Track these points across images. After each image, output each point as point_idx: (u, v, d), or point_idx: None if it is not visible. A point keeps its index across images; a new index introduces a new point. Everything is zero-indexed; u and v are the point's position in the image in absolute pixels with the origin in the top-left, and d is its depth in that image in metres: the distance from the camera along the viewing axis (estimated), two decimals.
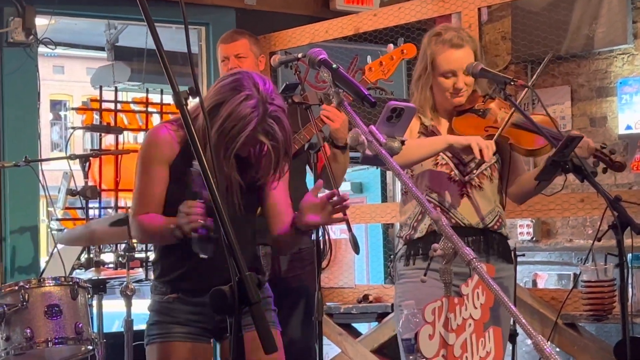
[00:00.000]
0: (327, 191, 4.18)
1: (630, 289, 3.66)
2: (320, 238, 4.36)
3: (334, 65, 2.99)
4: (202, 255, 2.94)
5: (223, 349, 3.37)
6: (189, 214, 2.93)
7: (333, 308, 5.34)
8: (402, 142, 2.87)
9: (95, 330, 4.19)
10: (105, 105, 5.67)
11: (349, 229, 4.20)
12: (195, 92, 2.34)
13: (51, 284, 3.89)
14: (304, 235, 3.26)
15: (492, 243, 3.83)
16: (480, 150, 3.53)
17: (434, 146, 3.69)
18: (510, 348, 4.22)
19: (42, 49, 5.73)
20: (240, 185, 3.15)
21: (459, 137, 3.67)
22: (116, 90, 5.78)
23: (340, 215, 3.11)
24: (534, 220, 5.75)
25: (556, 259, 5.57)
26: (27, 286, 3.85)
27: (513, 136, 3.71)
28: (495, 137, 3.67)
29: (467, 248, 2.45)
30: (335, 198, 3.06)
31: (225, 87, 3.08)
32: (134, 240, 4.73)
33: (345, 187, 4.90)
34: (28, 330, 3.77)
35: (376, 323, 5.35)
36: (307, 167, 4.54)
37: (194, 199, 3.01)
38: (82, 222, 5.44)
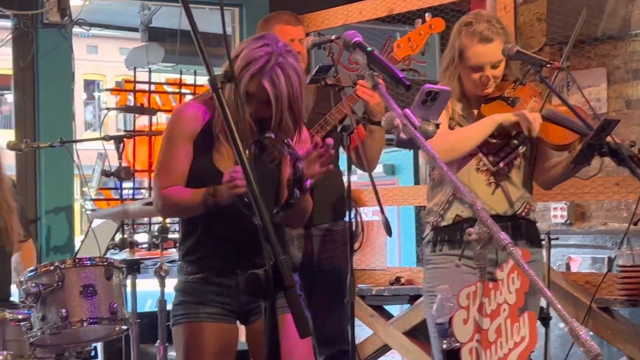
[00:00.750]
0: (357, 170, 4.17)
1: None
2: (353, 220, 4.37)
3: (369, 48, 2.97)
4: (254, 219, 2.98)
5: (249, 332, 3.37)
6: (234, 179, 2.96)
7: (365, 290, 5.34)
8: (437, 126, 2.84)
9: (129, 310, 4.21)
10: (139, 87, 5.68)
11: (382, 211, 4.20)
12: (231, 77, 2.34)
13: (86, 264, 3.91)
14: (305, 195, 3.18)
15: (521, 229, 3.82)
16: (530, 123, 3.54)
17: (483, 131, 3.66)
18: (544, 332, 4.21)
19: (76, 29, 5.75)
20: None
21: (507, 114, 3.66)
22: (150, 71, 5.77)
23: (327, 166, 3.11)
24: (567, 204, 5.71)
25: (590, 243, 5.54)
26: (62, 266, 3.86)
27: (541, 130, 3.67)
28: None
29: (503, 233, 2.43)
30: (317, 148, 3.06)
31: (251, 38, 3.24)
32: (166, 220, 4.74)
33: (377, 169, 4.87)
34: (63, 310, 3.79)
35: (408, 305, 5.34)
36: (340, 148, 4.53)
37: (218, 174, 3.08)
38: (115, 202, 5.47)
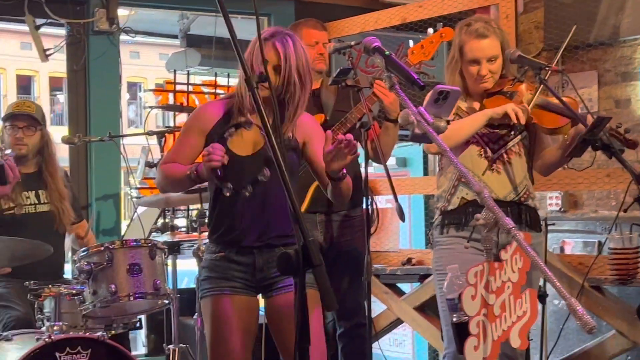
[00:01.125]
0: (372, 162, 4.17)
1: None
2: (369, 207, 4.37)
3: (387, 52, 2.97)
4: (224, 191, 3.05)
5: (269, 306, 3.36)
6: (210, 154, 3.00)
7: (379, 269, 5.34)
8: (448, 122, 2.84)
9: (170, 286, 4.23)
10: (178, 88, 5.70)
11: (396, 199, 4.20)
12: (265, 78, 2.35)
13: (132, 245, 3.93)
14: (341, 182, 3.21)
15: (521, 214, 3.80)
16: (516, 114, 3.54)
17: (475, 123, 3.66)
18: (541, 308, 4.20)
19: (122, 36, 5.76)
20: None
21: (496, 108, 3.67)
22: (188, 74, 5.80)
23: (353, 154, 3.10)
24: (562, 193, 5.70)
25: (582, 228, 5.52)
26: (111, 247, 3.88)
27: (537, 116, 3.69)
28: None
29: (507, 218, 2.43)
30: (343, 143, 3.05)
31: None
32: (204, 206, 4.75)
33: (391, 162, 4.87)
34: (112, 286, 3.81)
35: (418, 284, 5.33)
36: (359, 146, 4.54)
37: (234, 157, 3.14)
38: (157, 191, 5.48)
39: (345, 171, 3.16)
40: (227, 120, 3.26)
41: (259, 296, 3.38)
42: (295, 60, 3.18)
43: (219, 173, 3.03)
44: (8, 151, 3.15)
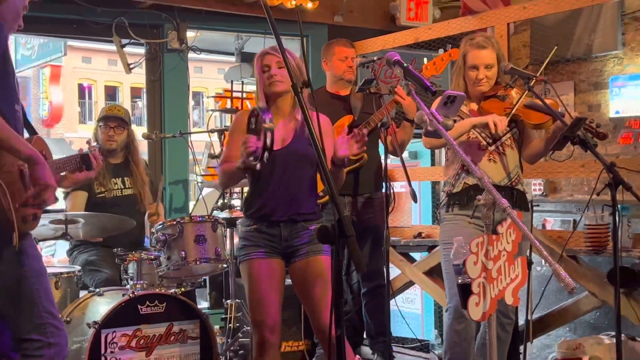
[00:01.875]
0: (390, 155, 4.15)
1: (620, 231, 3.56)
2: (388, 191, 4.36)
3: (405, 64, 2.96)
4: (257, 166, 3.03)
5: (293, 270, 3.36)
6: (245, 142, 3.01)
7: (395, 241, 5.32)
8: (455, 121, 2.83)
9: (228, 253, 4.23)
10: (234, 95, 5.69)
11: (409, 184, 4.19)
12: (308, 84, 2.35)
13: (198, 220, 3.94)
14: (340, 170, 3.23)
15: (514, 196, 3.76)
16: (495, 124, 3.50)
17: (460, 129, 3.62)
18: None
19: (189, 54, 5.76)
20: None
21: (479, 118, 3.65)
22: (242, 83, 5.77)
23: (360, 147, 3.13)
24: (544, 180, 5.66)
25: (560, 209, 5.47)
26: (181, 221, 3.90)
27: (524, 114, 3.68)
28: (509, 114, 3.62)
29: (504, 199, 2.41)
30: (359, 134, 3.11)
31: None
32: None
33: (404, 154, 4.84)
34: (182, 253, 3.83)
35: (427, 253, 5.32)
36: (380, 141, 4.52)
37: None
38: (218, 177, 5.49)
39: (346, 161, 3.16)
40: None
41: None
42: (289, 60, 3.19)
43: (252, 158, 3.01)
44: (94, 143, 3.19)
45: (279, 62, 3.23)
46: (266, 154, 3.00)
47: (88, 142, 3.20)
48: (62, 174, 2.93)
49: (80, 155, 2.96)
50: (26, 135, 2.83)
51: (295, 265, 3.32)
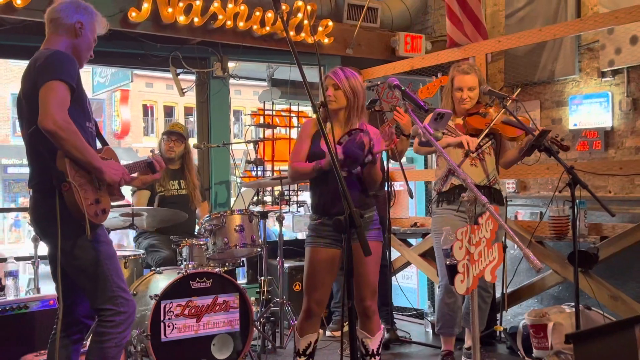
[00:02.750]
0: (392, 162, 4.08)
1: (577, 222, 3.52)
2: (389, 189, 4.33)
3: (403, 88, 2.94)
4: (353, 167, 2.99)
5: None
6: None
7: (396, 229, 5.30)
8: (443, 134, 2.80)
9: (262, 239, 4.23)
10: (266, 113, 5.68)
11: (407, 184, 4.16)
12: (325, 104, 2.34)
13: (238, 213, 3.95)
14: (373, 166, 3.09)
15: (491, 194, 3.74)
16: (468, 143, 3.50)
17: (441, 144, 3.58)
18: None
19: (230, 80, 5.77)
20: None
21: (455, 138, 3.61)
22: (273, 104, 5.76)
23: (388, 142, 2.97)
24: (516, 180, 5.60)
25: (529, 203, 5.41)
26: (224, 214, 3.91)
27: (501, 128, 3.66)
28: (486, 129, 3.59)
29: (483, 196, 2.38)
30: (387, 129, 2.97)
31: None
32: (281, 188, 4.74)
33: (402, 160, 4.81)
34: (225, 239, 3.84)
35: (421, 239, 5.29)
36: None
37: (323, 153, 3.12)
38: (253, 178, 5.49)
39: (374, 158, 3.03)
40: (319, 130, 3.22)
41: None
42: (344, 82, 3.15)
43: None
44: (156, 152, 3.19)
45: (334, 85, 3.17)
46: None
47: (152, 151, 3.22)
48: (134, 175, 2.94)
49: (146, 162, 2.97)
50: (99, 145, 2.85)
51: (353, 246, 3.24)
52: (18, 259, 4.21)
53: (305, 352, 3.23)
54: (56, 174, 2.51)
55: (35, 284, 3.86)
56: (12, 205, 19.80)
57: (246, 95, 20.43)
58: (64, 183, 2.49)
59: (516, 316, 4.83)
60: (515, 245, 4.39)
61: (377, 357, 3.18)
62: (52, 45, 2.69)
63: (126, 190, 3.02)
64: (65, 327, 2.75)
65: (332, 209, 3.18)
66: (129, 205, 4.35)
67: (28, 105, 2.59)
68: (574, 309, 3.55)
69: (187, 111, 23.97)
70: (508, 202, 4.32)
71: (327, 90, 3.17)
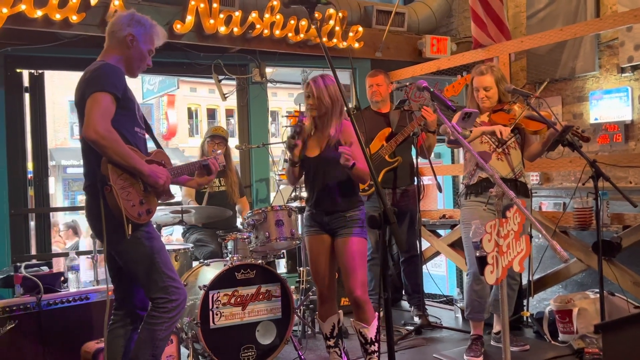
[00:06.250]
0: (416, 157, 4.02)
1: (600, 212, 3.43)
2: (419, 184, 4.29)
3: (431, 89, 2.89)
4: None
5: (335, 245, 3.27)
6: (343, 152, 2.95)
7: (425, 221, 5.24)
8: (470, 131, 2.75)
9: (300, 233, 4.21)
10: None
11: (435, 178, 4.10)
12: (359, 107, 2.30)
13: (277, 209, 3.93)
14: (352, 170, 3.02)
15: (517, 186, 3.66)
16: (500, 132, 3.46)
17: (474, 134, 3.54)
18: None
19: (268, 84, 5.78)
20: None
21: (488, 127, 3.57)
22: None
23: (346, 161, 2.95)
24: (539, 173, 5.50)
25: (553, 195, 5.30)
26: (265, 210, 3.90)
27: (525, 123, 3.59)
28: (513, 124, 3.55)
29: (511, 191, 2.33)
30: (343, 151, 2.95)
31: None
32: None
33: (431, 155, 4.77)
34: (267, 233, 3.82)
35: (449, 230, 5.22)
36: (412, 146, 4.44)
37: (306, 159, 3.20)
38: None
39: (350, 164, 2.97)
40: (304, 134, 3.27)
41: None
42: (323, 90, 3.11)
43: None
44: (218, 152, 3.17)
45: (314, 93, 3.15)
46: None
47: (214, 151, 3.25)
48: (192, 176, 2.96)
49: (203, 165, 2.98)
50: (153, 146, 2.87)
51: (335, 242, 3.26)
52: (79, 253, 4.28)
53: (333, 334, 3.25)
54: (100, 178, 2.54)
55: (95, 277, 3.93)
56: (71, 204, 20.24)
57: (282, 97, 20.46)
58: (106, 186, 2.51)
59: (542, 302, 4.74)
60: (540, 235, 4.32)
61: (375, 344, 3.15)
62: (105, 57, 2.72)
63: (175, 187, 3.05)
64: (120, 318, 2.79)
65: (319, 205, 3.23)
66: (178, 204, 4.40)
67: (79, 114, 2.63)
68: (598, 295, 3.47)
69: (228, 113, 24.14)
70: (532, 194, 4.24)
71: (309, 99, 3.17)
